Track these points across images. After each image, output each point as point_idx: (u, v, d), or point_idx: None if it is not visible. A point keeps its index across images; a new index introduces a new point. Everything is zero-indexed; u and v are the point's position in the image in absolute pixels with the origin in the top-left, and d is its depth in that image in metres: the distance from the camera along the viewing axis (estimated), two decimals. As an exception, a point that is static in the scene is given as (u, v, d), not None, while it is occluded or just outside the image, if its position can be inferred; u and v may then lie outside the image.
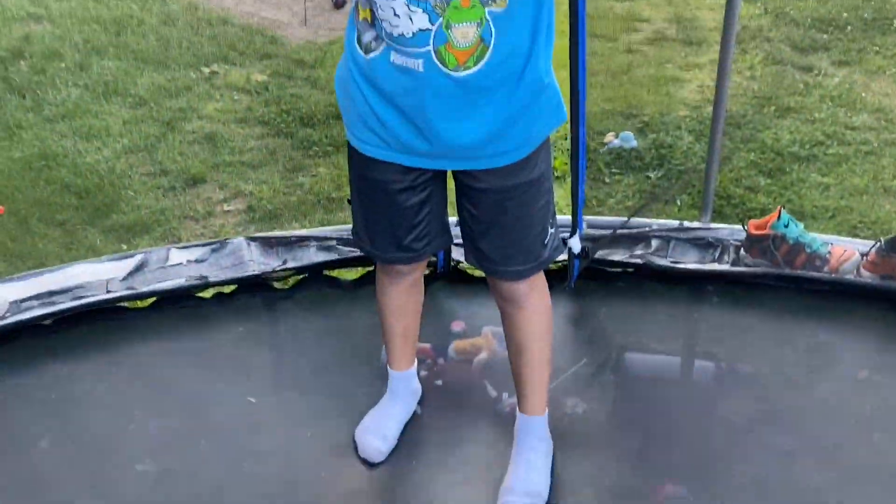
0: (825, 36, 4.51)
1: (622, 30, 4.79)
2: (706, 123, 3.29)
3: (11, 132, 3.47)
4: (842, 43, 4.41)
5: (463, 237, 1.54)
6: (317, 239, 2.38)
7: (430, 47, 1.23)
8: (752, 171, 3.22)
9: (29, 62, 4.04)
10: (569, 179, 2.31)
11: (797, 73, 4.10)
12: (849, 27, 4.60)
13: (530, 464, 1.64)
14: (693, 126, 3.56)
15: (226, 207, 3.07)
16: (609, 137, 3.49)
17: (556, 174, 2.58)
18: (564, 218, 2.07)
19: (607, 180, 3.23)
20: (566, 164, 2.84)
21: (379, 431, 1.76)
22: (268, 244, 2.37)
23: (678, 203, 3.05)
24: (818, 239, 2.27)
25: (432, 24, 1.20)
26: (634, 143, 3.43)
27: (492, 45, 1.23)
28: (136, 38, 4.51)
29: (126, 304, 2.20)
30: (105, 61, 4.18)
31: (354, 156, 1.47)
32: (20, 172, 3.24)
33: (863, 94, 3.81)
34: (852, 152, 3.34)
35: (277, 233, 2.49)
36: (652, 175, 3.25)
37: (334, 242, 2.36)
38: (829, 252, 2.23)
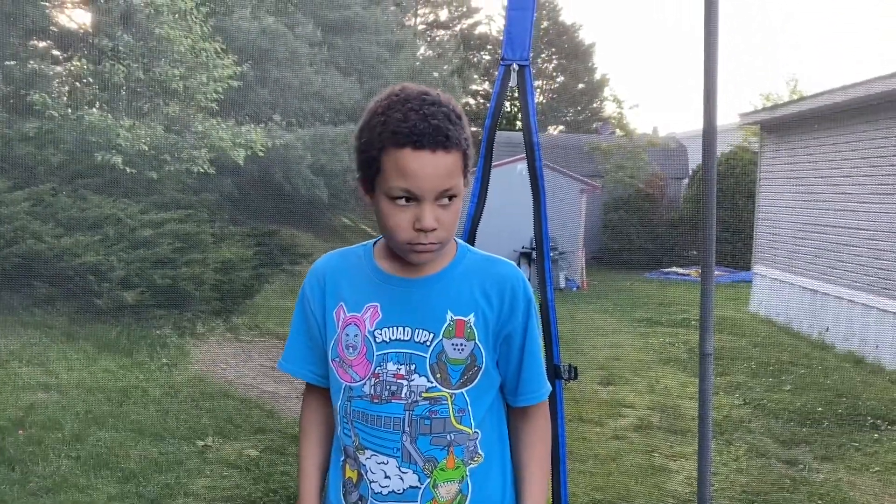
0: (804, 430, 4.67)
1: (608, 415, 4.96)
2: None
3: (-9, 506, 3.41)
4: (821, 437, 4.55)
5: None
6: None
7: (418, 503, 1.33)
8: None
9: (27, 432, 4.11)
10: None
11: (782, 466, 4.16)
12: (825, 422, 4.78)
13: None
14: (684, 523, 3.53)
15: None
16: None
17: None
18: None
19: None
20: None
21: None
22: None
23: None
24: None
25: (421, 484, 1.33)
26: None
27: (469, 495, 1.35)
28: (136, 408, 4.66)
29: None
30: (102, 432, 4.25)
31: None
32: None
33: (850, 494, 3.83)
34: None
35: None
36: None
37: None
38: None
